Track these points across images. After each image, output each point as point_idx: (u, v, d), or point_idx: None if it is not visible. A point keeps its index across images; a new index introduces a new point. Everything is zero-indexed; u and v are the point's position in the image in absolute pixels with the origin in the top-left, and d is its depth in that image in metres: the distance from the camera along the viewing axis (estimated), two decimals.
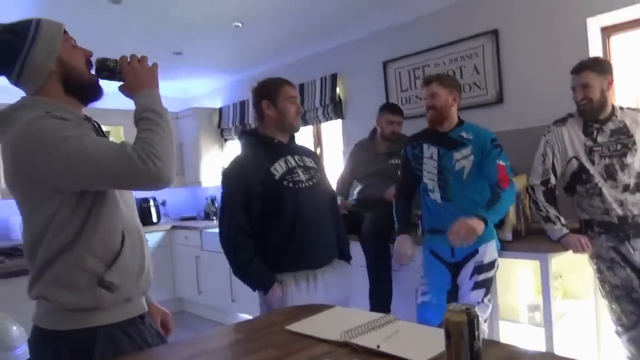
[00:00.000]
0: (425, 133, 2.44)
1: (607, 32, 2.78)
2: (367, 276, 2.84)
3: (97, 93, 1.33)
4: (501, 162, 2.19)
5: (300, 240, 1.94)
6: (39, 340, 1.24)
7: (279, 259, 1.95)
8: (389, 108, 3.18)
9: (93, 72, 1.30)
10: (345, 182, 3.38)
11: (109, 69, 1.30)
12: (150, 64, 1.32)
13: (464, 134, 2.28)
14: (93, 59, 1.32)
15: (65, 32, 1.28)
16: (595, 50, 2.72)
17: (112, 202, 1.27)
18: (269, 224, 1.95)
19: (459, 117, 2.35)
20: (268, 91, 1.99)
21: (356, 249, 2.96)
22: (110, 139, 1.38)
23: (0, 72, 1.25)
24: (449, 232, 2.07)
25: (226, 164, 2.05)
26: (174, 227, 5.14)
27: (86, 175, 1.15)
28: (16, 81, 1.25)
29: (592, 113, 2.24)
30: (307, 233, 1.95)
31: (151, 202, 5.20)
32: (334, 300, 1.91)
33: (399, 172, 2.59)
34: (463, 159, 2.24)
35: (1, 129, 1.21)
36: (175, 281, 5.10)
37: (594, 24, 2.74)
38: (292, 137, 2.09)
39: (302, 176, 1.98)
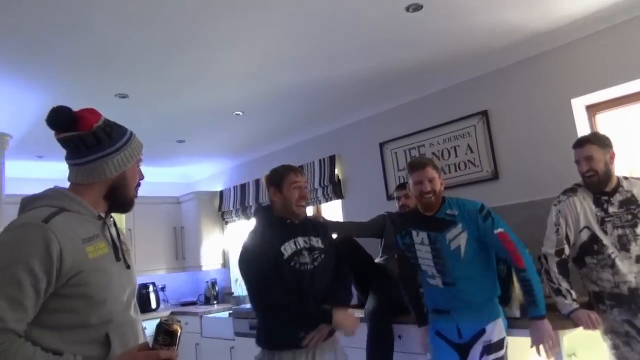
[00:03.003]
0: (409, 220, 2.37)
1: (592, 110, 2.88)
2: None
3: (129, 209, 1.38)
4: (500, 230, 2.13)
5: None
6: None
7: (277, 337, 2.05)
8: (396, 187, 3.22)
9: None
10: (368, 227, 3.20)
11: (170, 334, 1.17)
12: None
13: (449, 211, 2.22)
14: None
15: None
16: (582, 127, 2.81)
17: (92, 307, 1.20)
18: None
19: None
20: (274, 179, 2.15)
21: (360, 328, 2.86)
22: None
23: (73, 154, 1.28)
24: (535, 345, 2.09)
25: (245, 240, 2.17)
26: (173, 313, 4.97)
27: None
28: (75, 166, 1.29)
29: (599, 185, 2.22)
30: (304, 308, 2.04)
31: (150, 288, 5.07)
32: None
33: (397, 263, 2.51)
34: (455, 237, 2.18)
35: (19, 215, 1.24)
36: None
37: (579, 104, 2.85)
38: (304, 217, 2.21)
39: (307, 258, 2.08)
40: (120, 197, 1.34)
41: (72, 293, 1.17)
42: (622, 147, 2.84)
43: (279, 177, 2.13)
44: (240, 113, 3.66)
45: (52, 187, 1.30)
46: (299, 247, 2.08)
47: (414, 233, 2.29)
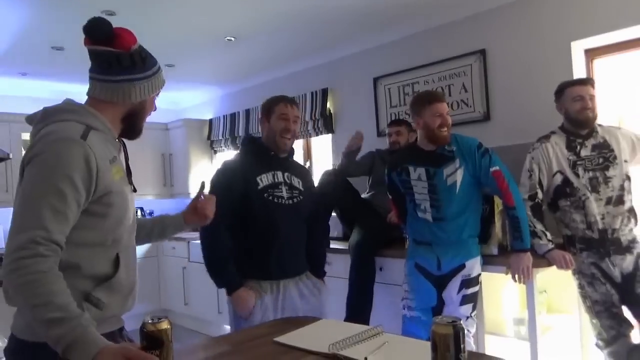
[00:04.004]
0: (407, 155, 2.40)
1: (591, 54, 2.85)
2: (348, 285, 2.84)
3: (137, 136, 1.39)
4: (495, 168, 2.19)
5: (266, 251, 1.99)
6: (16, 352, 1.20)
7: (245, 265, 2.01)
8: (389, 123, 3.23)
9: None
10: (358, 165, 3.23)
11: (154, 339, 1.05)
12: None
13: (447, 147, 2.26)
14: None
15: None
16: (579, 72, 2.79)
17: (111, 227, 1.24)
18: (241, 229, 2.02)
19: None
20: (265, 107, 2.10)
21: (342, 259, 2.97)
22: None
23: (103, 70, 1.25)
24: (511, 272, 2.23)
25: (220, 164, 2.13)
26: None
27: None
28: (101, 81, 1.26)
29: (590, 123, 2.31)
30: (274, 246, 2.00)
31: (138, 213, 5.16)
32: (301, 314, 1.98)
33: (389, 196, 2.59)
34: (452, 174, 2.23)
35: (39, 124, 1.22)
36: (162, 292, 5.04)
37: (578, 47, 2.81)
38: (291, 154, 2.15)
39: (285, 194, 2.04)
40: (134, 124, 1.35)
41: (99, 211, 1.20)
42: (615, 94, 2.84)
43: (269, 105, 2.08)
44: (233, 39, 3.56)
45: (67, 100, 1.28)
46: (277, 180, 2.03)
47: (411, 169, 2.32)
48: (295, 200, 2.06)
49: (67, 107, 1.25)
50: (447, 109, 2.27)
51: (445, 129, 2.24)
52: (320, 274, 2.21)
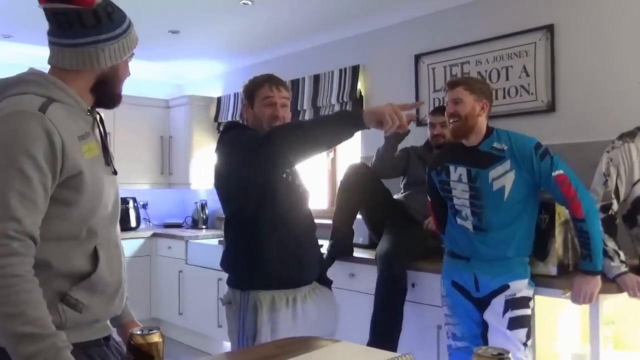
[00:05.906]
0: (448, 152, 2.41)
1: None
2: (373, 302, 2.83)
3: (117, 104, 1.40)
4: (559, 172, 2.14)
5: (282, 249, 1.94)
6: None
7: (253, 272, 1.96)
8: (431, 111, 3.20)
9: None
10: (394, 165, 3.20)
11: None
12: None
13: (497, 145, 2.23)
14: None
15: None
16: None
17: (83, 217, 1.24)
18: (255, 219, 1.95)
19: (488, 126, 2.31)
20: (247, 90, 2.08)
21: (368, 270, 2.95)
22: None
23: (63, 32, 1.25)
24: (572, 295, 2.18)
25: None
26: (155, 235, 5.16)
27: None
28: (63, 46, 1.25)
29: None
30: (291, 240, 1.97)
31: (130, 203, 5.22)
32: (317, 333, 1.92)
33: (428, 199, 2.59)
34: (500, 177, 2.20)
35: None
36: (153, 298, 5.10)
37: None
38: None
39: (299, 179, 2.07)
40: (108, 92, 1.34)
41: (68, 198, 1.21)
42: None
43: (251, 89, 2.06)
44: (249, 2, 3.55)
45: (30, 69, 1.29)
46: None
47: (452, 168, 2.32)
48: (305, 187, 2.10)
49: (25, 78, 1.25)
50: (456, 95, 2.26)
51: (452, 119, 2.26)
52: (327, 280, 2.18)
